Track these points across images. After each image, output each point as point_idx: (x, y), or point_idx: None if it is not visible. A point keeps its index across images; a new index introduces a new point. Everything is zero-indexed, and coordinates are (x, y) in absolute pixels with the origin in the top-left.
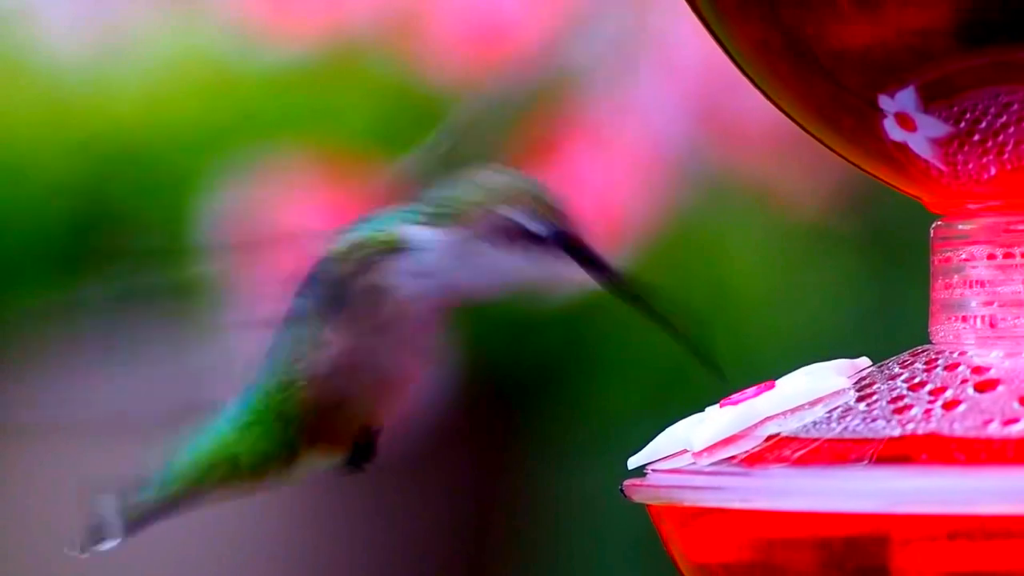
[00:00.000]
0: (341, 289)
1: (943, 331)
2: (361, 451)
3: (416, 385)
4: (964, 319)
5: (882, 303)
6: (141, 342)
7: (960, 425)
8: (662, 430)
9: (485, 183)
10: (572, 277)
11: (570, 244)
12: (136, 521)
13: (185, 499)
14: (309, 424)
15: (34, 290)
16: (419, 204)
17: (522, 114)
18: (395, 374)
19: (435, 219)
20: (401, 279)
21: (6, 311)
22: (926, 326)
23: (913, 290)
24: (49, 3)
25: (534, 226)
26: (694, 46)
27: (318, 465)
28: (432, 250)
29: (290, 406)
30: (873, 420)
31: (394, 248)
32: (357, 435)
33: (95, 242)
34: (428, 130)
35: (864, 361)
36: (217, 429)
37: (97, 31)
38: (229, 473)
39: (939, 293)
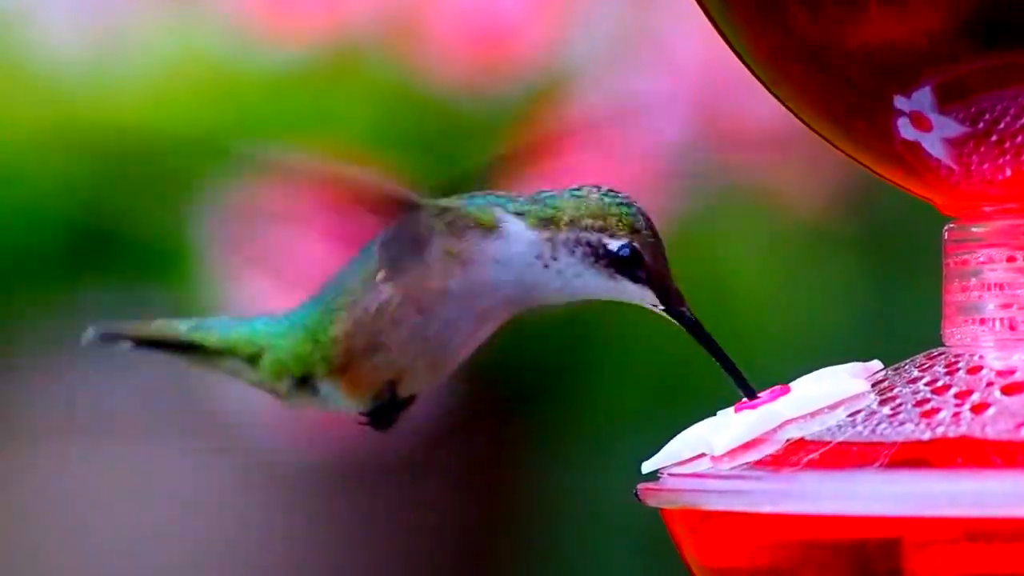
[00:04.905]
0: (422, 244)
1: (959, 334)
2: (382, 410)
3: (452, 370)
4: (982, 322)
5: (882, 304)
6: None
7: (992, 428)
8: (663, 431)
9: (581, 195)
10: (641, 298)
11: (642, 267)
12: (149, 341)
13: (199, 355)
14: (333, 354)
15: (34, 290)
16: (517, 197)
17: (521, 115)
18: (439, 347)
19: (527, 216)
20: (485, 261)
21: (6, 311)
22: (926, 326)
23: (913, 291)
24: (49, 3)
25: (613, 244)
26: (694, 46)
27: (335, 400)
28: (519, 242)
29: (323, 331)
30: (900, 424)
31: (487, 227)
32: (382, 389)
33: (95, 242)
34: (428, 132)
35: (876, 364)
36: (254, 324)
37: (97, 32)
38: (247, 362)
39: (954, 296)
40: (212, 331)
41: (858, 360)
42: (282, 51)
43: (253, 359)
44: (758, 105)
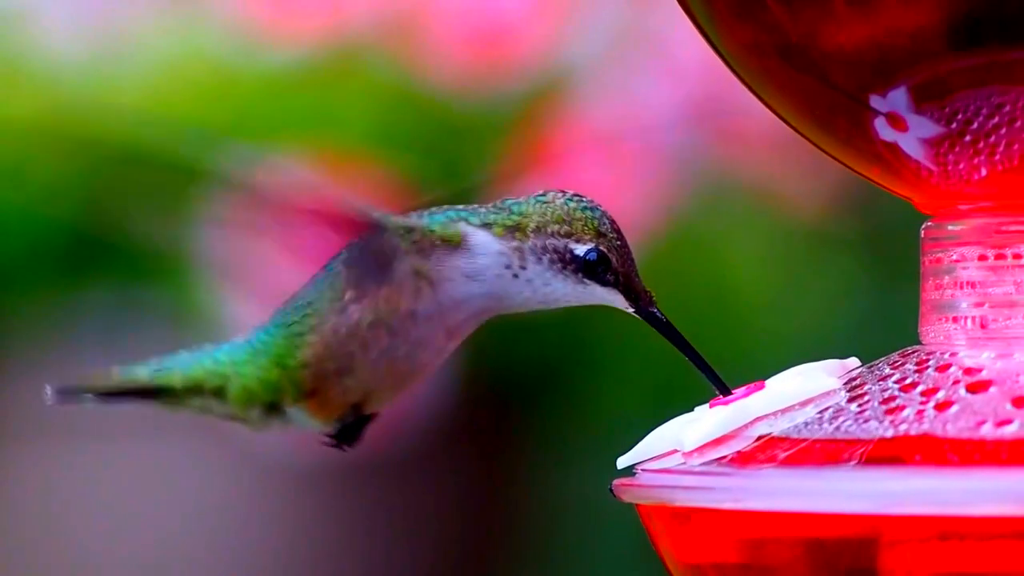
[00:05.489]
0: (388, 264)
1: (933, 332)
2: (347, 429)
3: (420, 384)
4: (955, 320)
5: (881, 305)
6: (141, 342)
7: (953, 426)
8: None
9: (546, 201)
10: (611, 301)
11: (610, 270)
12: (113, 391)
13: (167, 398)
14: (302, 379)
15: (34, 290)
16: (479, 209)
17: (522, 115)
18: (407, 367)
19: (493, 227)
20: (455, 277)
21: (6, 312)
22: None
23: (912, 292)
24: (49, 3)
25: (580, 249)
26: (694, 46)
27: (301, 422)
28: (488, 254)
29: (290, 355)
30: (865, 421)
31: (452, 243)
32: (347, 411)
33: (95, 243)
34: (428, 132)
35: (854, 361)
36: (216, 355)
37: (97, 31)
38: (214, 396)
39: (929, 294)
40: (175, 371)
41: (858, 359)
42: (282, 51)
43: (219, 392)
44: (758, 105)
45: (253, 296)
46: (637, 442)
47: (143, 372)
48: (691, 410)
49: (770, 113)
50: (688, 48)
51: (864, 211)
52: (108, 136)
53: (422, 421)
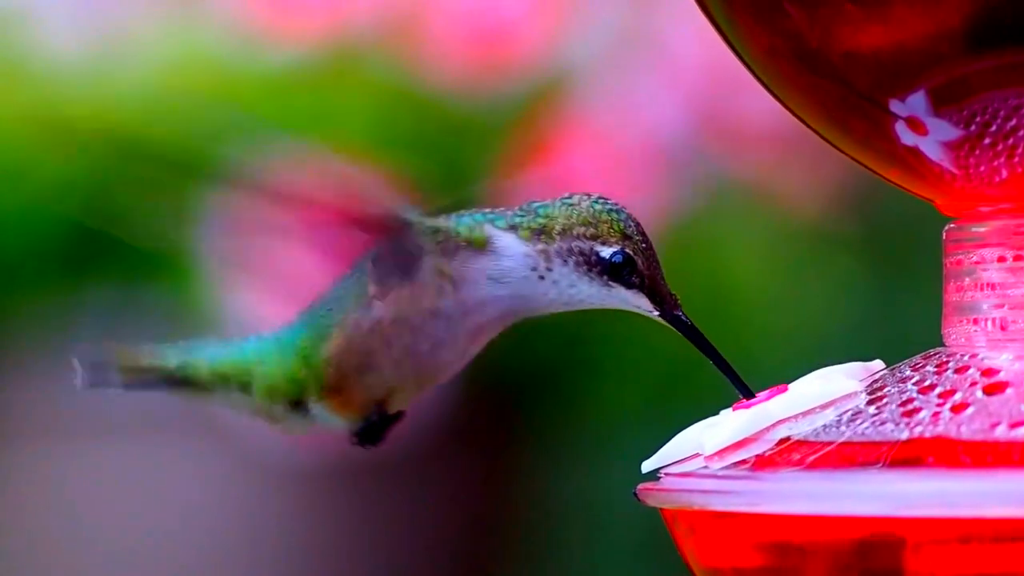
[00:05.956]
0: (413, 264)
1: (955, 333)
2: (371, 428)
3: (442, 385)
4: (975, 321)
5: (882, 304)
6: (142, 342)
7: (967, 428)
8: (663, 431)
9: (571, 203)
10: (636, 304)
11: (636, 272)
12: (138, 376)
13: (193, 386)
14: (326, 375)
15: (35, 289)
16: (506, 211)
17: (522, 115)
18: (430, 365)
19: (519, 229)
20: (478, 279)
21: (6, 311)
22: (925, 326)
23: (913, 291)
24: (49, 3)
25: (606, 251)
26: (694, 46)
27: (324, 420)
28: (513, 256)
29: (315, 352)
30: (882, 423)
31: (478, 246)
32: (371, 409)
33: (95, 243)
34: (428, 132)
35: (878, 364)
36: (244, 348)
37: (97, 31)
38: (240, 390)
39: (951, 295)
40: (202, 361)
41: (858, 359)
42: (282, 51)
43: (246, 387)
44: (758, 105)
45: (255, 295)
46: (637, 441)
47: (172, 357)
48: (696, 410)
49: (770, 112)
50: (688, 48)
51: (864, 211)
52: (108, 135)
53: (422, 421)
